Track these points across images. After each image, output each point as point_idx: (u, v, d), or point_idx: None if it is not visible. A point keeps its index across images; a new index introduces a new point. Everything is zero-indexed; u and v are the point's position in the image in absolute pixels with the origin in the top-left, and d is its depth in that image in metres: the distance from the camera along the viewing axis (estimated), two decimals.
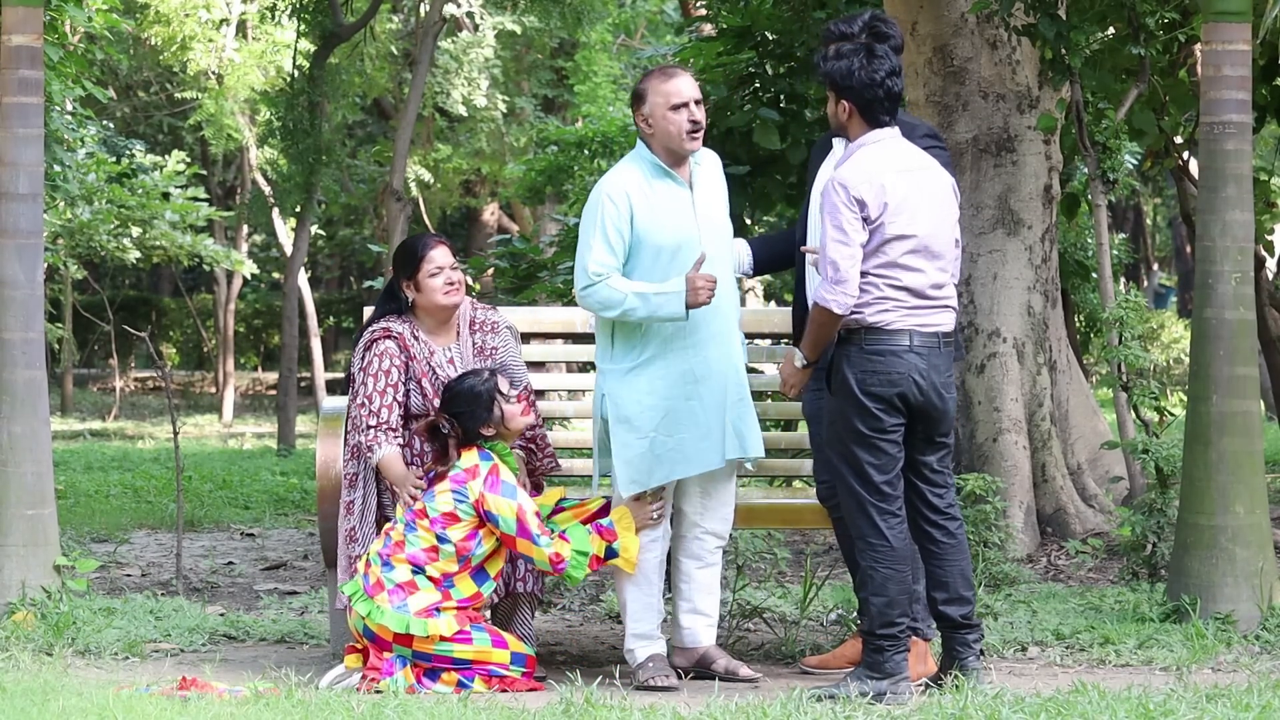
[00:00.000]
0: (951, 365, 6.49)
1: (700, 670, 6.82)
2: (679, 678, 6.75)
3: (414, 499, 6.69)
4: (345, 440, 7.02)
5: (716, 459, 6.75)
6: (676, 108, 6.69)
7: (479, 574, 6.66)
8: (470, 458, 6.65)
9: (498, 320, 7.09)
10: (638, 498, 6.69)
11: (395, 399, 6.85)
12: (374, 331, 6.94)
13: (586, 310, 6.87)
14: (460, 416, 6.66)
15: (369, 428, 6.81)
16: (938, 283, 6.41)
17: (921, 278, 6.37)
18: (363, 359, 6.92)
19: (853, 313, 6.31)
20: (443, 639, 6.55)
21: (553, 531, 6.66)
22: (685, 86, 6.73)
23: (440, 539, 6.59)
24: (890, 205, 6.31)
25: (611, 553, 6.66)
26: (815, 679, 6.84)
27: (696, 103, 6.73)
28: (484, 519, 6.59)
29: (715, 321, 6.76)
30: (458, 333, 7.03)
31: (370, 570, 6.65)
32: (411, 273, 6.95)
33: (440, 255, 6.94)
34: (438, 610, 6.57)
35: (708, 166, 6.89)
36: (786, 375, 6.54)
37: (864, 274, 6.32)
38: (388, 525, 6.75)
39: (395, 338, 6.91)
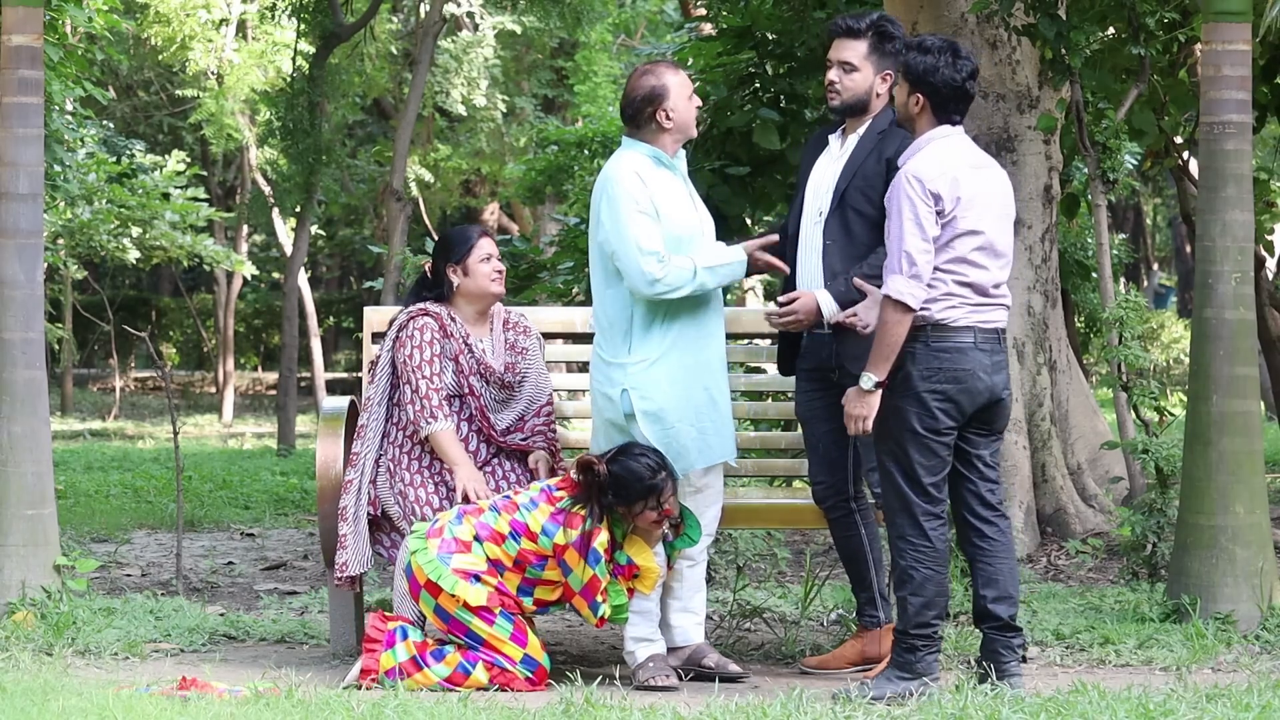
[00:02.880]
0: (1006, 361, 6.48)
1: (690, 667, 6.83)
2: (679, 678, 6.76)
3: (475, 497, 6.75)
4: (352, 431, 7.08)
5: (733, 449, 6.81)
6: (690, 96, 6.87)
7: (526, 587, 6.66)
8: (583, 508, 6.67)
9: (529, 325, 7.21)
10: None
11: (442, 370, 6.92)
12: (410, 312, 7.04)
13: (656, 296, 6.65)
14: (612, 485, 6.60)
15: (430, 393, 6.88)
16: (998, 281, 6.40)
17: (985, 275, 6.36)
18: (399, 336, 6.99)
19: (920, 309, 6.28)
20: (466, 606, 6.56)
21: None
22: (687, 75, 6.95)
23: (512, 536, 6.61)
24: (963, 200, 6.30)
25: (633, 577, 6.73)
26: (819, 679, 6.83)
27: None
28: (556, 559, 6.61)
29: (717, 317, 6.84)
30: (491, 326, 7.12)
31: (442, 515, 6.70)
32: (461, 256, 7.04)
33: (489, 244, 7.10)
34: (476, 579, 6.59)
35: (681, 161, 6.99)
36: (855, 408, 6.30)
37: (934, 269, 6.31)
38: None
39: (433, 316, 6.99)
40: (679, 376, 6.72)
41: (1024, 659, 6.49)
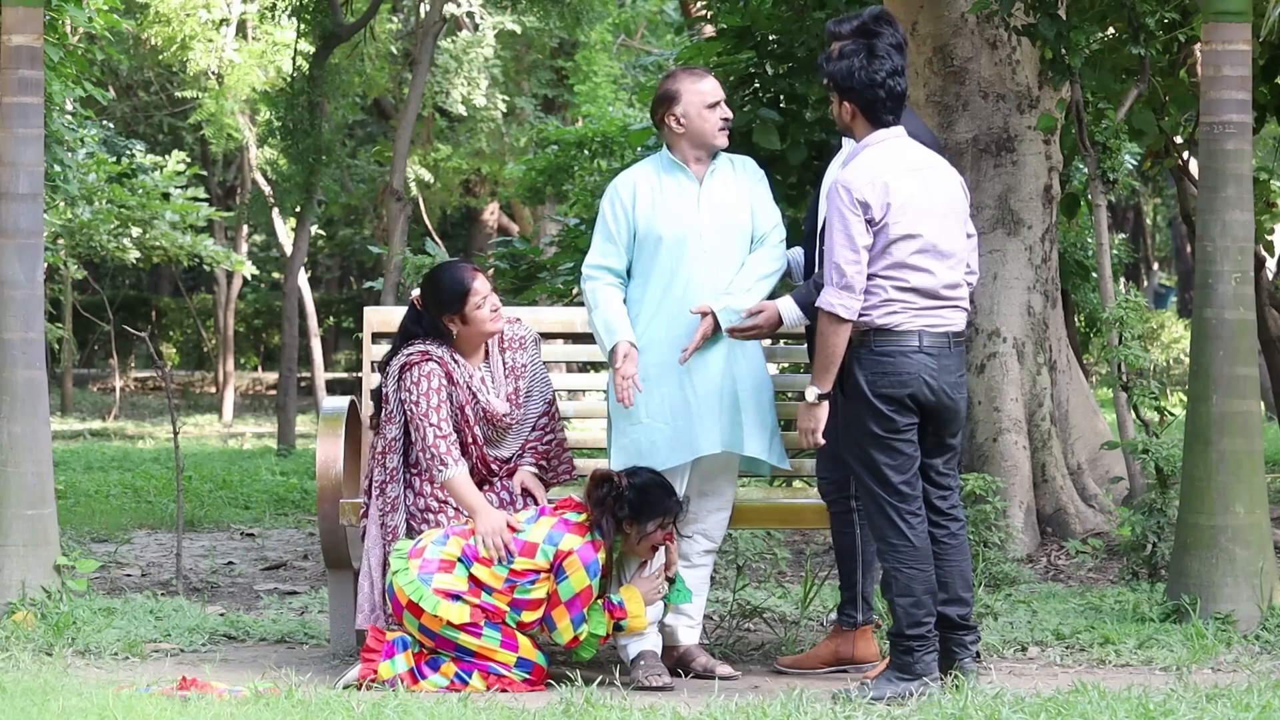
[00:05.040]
0: (963, 365, 6.47)
1: (679, 669, 6.84)
2: (673, 675, 6.76)
3: (498, 549, 6.62)
4: (351, 432, 7.05)
5: (708, 446, 6.76)
6: (712, 106, 6.90)
7: (514, 610, 6.61)
8: (586, 518, 6.66)
9: (525, 335, 7.12)
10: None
11: (449, 416, 6.85)
12: (411, 355, 6.90)
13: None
14: (633, 497, 6.62)
15: (438, 441, 6.76)
16: (950, 282, 6.39)
17: (931, 279, 6.35)
18: (404, 380, 6.86)
19: (861, 315, 6.30)
20: (450, 624, 6.55)
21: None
22: (716, 86, 6.96)
23: (506, 554, 6.59)
24: (894, 205, 6.30)
25: (618, 627, 6.68)
26: (819, 680, 6.83)
27: (725, 101, 6.97)
28: (553, 568, 6.58)
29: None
30: (487, 352, 7.05)
31: (426, 535, 6.69)
32: (458, 309, 6.92)
33: (481, 285, 6.94)
34: (457, 598, 6.58)
35: (734, 170, 6.99)
36: (804, 422, 6.40)
37: (871, 276, 6.29)
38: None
39: (438, 361, 6.89)
40: (650, 375, 6.76)
41: (977, 655, 6.55)
